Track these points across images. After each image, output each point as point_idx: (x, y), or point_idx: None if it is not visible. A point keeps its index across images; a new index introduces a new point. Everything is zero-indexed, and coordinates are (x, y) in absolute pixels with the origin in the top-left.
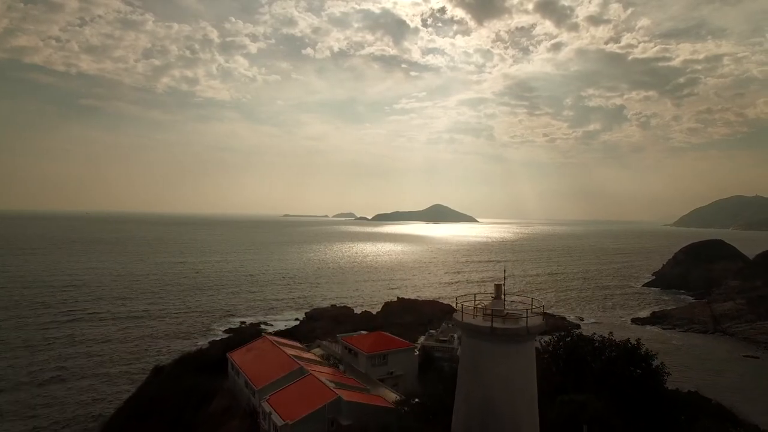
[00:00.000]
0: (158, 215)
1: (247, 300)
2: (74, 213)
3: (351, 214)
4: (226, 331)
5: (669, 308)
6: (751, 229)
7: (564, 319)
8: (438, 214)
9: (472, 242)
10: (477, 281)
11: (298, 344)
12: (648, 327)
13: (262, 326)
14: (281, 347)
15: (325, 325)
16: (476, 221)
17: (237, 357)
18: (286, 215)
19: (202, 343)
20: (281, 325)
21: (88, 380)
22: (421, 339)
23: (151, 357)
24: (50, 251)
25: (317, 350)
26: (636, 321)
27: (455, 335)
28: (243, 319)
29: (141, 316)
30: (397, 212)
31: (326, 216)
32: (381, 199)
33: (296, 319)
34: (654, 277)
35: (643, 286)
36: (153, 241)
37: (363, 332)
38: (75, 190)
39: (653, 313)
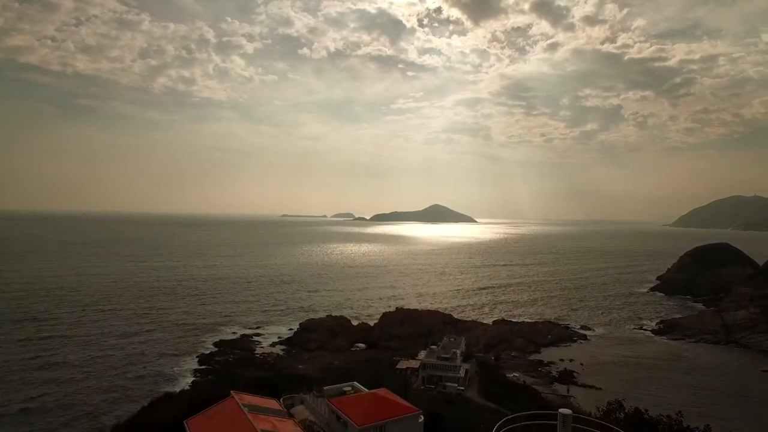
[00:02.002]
0: (156, 215)
1: (240, 307)
2: (71, 213)
3: (350, 215)
4: (215, 344)
5: (677, 316)
6: (750, 229)
7: (569, 328)
8: (437, 214)
9: (471, 244)
10: (478, 289)
11: (276, 403)
12: (657, 338)
13: (254, 337)
14: (251, 415)
15: (319, 337)
16: (475, 221)
17: (195, 428)
18: (284, 215)
19: (190, 360)
20: (274, 337)
21: (49, 417)
22: (422, 354)
23: (132, 387)
24: (42, 255)
25: (299, 408)
26: (644, 331)
27: (458, 351)
28: (235, 330)
29: (128, 332)
30: (395, 212)
31: (324, 216)
32: (379, 199)
33: (290, 329)
34: (659, 281)
35: (647, 291)
36: (148, 243)
37: (356, 385)
38: (72, 190)
39: (661, 321)
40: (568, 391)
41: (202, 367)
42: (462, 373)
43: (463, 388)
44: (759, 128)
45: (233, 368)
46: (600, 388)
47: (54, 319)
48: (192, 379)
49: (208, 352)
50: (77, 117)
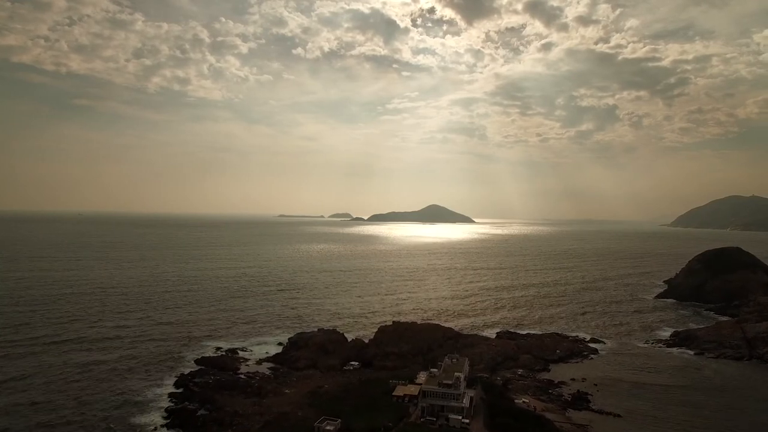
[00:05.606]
0: (153, 216)
1: (227, 318)
2: (67, 213)
3: (347, 215)
4: (197, 362)
5: (691, 326)
6: (749, 230)
7: (578, 340)
8: (434, 214)
9: (469, 247)
10: (479, 298)
11: None
12: (675, 351)
13: (240, 352)
14: None
15: (310, 354)
16: (472, 221)
17: None
18: (281, 215)
19: (168, 382)
20: (262, 353)
21: None
22: (421, 376)
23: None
24: (31, 259)
25: None
26: (659, 345)
27: (461, 375)
28: (220, 344)
29: (106, 357)
30: (393, 213)
31: (322, 216)
32: (376, 199)
33: (279, 344)
34: (667, 286)
35: (656, 297)
36: (140, 246)
37: None
38: (68, 190)
39: (675, 332)
40: None
41: (179, 390)
42: (466, 402)
43: (468, 420)
44: (753, 128)
45: (212, 393)
46: (619, 415)
47: (27, 338)
48: (167, 404)
49: (187, 371)
50: (74, 117)
